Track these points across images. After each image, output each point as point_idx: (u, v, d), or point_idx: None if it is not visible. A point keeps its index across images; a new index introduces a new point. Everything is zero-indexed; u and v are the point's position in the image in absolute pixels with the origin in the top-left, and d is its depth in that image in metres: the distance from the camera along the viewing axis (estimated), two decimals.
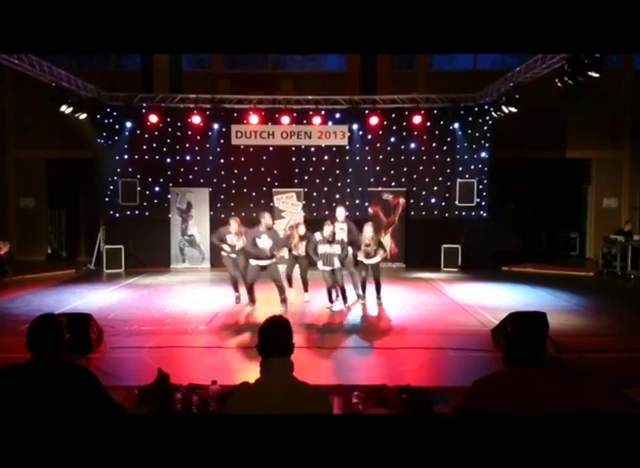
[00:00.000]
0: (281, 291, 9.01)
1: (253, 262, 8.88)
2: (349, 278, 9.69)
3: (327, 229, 9.00)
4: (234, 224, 9.26)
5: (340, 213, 9.92)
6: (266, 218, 8.98)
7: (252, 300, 9.14)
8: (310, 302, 9.64)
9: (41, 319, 2.84)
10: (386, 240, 14.45)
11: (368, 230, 9.14)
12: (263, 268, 8.89)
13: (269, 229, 9.00)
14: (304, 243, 9.47)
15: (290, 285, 9.92)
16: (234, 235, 9.25)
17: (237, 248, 9.24)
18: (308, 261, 9.59)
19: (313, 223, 13.27)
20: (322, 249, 8.92)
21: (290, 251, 9.79)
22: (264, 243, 8.77)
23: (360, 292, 9.64)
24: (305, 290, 9.78)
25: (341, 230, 9.72)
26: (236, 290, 9.62)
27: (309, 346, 6.89)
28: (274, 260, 8.93)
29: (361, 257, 9.23)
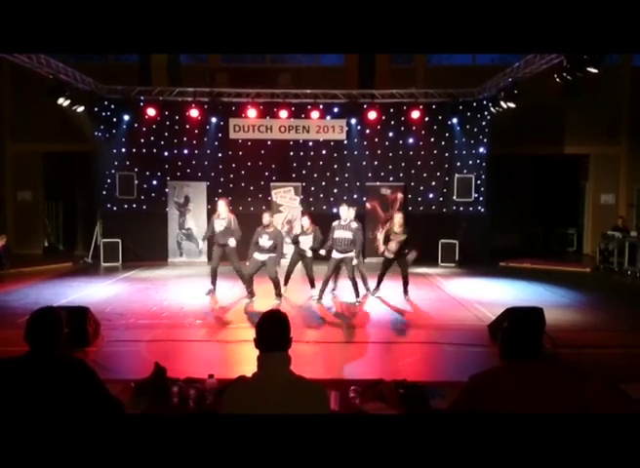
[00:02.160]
0: (276, 285, 9.24)
1: (255, 256, 9.20)
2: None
3: (344, 212, 9.37)
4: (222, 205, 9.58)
5: (351, 213, 9.62)
6: (266, 218, 9.26)
7: (250, 293, 9.39)
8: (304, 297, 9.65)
9: (41, 311, 2.83)
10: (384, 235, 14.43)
11: (398, 217, 9.46)
12: (264, 263, 9.17)
13: (268, 227, 9.20)
14: (306, 237, 9.48)
15: (286, 283, 9.75)
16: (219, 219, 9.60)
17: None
18: (313, 256, 9.57)
19: (310, 217, 13.29)
20: (337, 233, 9.26)
21: (296, 243, 9.73)
22: (265, 242, 9.11)
23: (369, 286, 9.92)
24: (312, 286, 9.74)
25: (344, 230, 9.57)
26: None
27: (307, 340, 6.89)
28: (273, 255, 9.17)
29: (388, 252, 9.44)
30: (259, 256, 9.21)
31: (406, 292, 9.63)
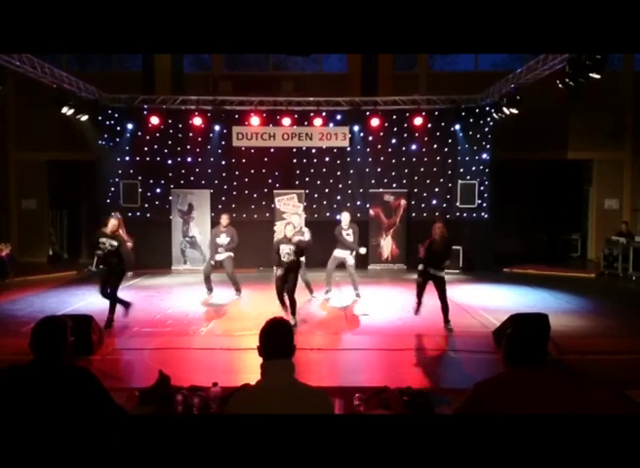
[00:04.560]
0: (234, 282, 10.21)
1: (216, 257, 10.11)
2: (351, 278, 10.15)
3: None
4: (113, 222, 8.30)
5: (345, 218, 10.02)
6: (223, 219, 10.19)
7: (209, 289, 10.32)
8: (311, 303, 9.66)
9: (46, 320, 2.84)
10: (387, 241, 14.46)
11: (438, 226, 8.17)
12: (221, 263, 10.05)
13: (226, 227, 10.10)
14: (291, 246, 8.24)
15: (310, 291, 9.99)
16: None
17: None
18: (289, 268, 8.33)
19: (314, 225, 13.30)
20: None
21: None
22: (222, 239, 9.99)
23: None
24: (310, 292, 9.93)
25: (348, 236, 9.87)
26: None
27: (311, 348, 6.88)
28: (229, 255, 10.00)
29: (422, 267, 8.19)
30: (217, 257, 10.05)
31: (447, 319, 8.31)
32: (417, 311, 8.39)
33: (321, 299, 10.00)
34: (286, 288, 8.18)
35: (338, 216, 13.74)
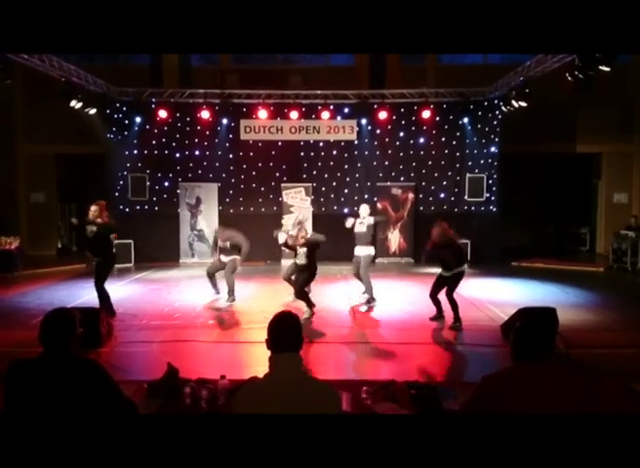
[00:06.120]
0: (228, 284, 9.43)
1: (221, 258, 9.57)
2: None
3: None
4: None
5: (363, 209, 9.73)
6: (220, 232, 9.76)
7: (215, 289, 9.82)
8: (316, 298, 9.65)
9: (55, 312, 2.87)
10: (395, 235, 14.45)
11: (437, 230, 7.89)
12: (224, 265, 9.48)
13: (225, 237, 9.54)
14: (305, 249, 8.38)
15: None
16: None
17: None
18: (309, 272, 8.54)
19: (322, 218, 13.31)
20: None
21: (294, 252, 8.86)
22: (224, 244, 9.44)
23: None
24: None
25: (360, 224, 9.60)
26: None
27: (318, 341, 6.90)
28: (233, 258, 9.43)
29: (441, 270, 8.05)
30: (223, 258, 9.54)
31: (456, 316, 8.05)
32: (436, 317, 8.12)
33: (359, 299, 9.61)
34: (297, 282, 8.35)
35: (345, 209, 13.90)
